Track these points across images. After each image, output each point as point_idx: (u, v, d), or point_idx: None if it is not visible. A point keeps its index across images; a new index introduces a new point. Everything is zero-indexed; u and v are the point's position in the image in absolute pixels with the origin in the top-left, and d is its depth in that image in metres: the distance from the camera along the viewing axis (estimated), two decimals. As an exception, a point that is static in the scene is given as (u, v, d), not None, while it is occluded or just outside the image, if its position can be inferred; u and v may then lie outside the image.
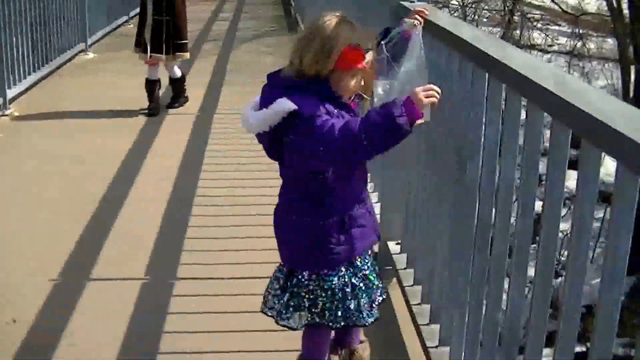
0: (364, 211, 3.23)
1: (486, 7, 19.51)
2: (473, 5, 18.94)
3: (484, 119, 3.03)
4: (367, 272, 3.28)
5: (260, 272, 4.62)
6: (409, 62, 3.08)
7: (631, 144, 1.82)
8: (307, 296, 3.18)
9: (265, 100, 2.98)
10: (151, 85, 8.75)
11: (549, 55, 20.75)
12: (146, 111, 8.65)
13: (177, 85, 9.05)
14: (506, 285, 2.81)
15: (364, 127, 2.79)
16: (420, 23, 3.30)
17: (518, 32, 19.63)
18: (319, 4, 9.26)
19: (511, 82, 2.71)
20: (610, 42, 19.63)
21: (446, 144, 3.54)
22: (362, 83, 3.08)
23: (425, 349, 3.74)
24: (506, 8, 18.57)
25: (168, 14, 8.49)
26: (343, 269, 3.19)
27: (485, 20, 20.10)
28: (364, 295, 3.23)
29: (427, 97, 2.82)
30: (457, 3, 19.10)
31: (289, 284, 3.22)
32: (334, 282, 3.17)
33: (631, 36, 17.64)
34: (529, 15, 20.46)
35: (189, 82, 9.26)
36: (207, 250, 5.12)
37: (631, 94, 17.99)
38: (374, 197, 5.13)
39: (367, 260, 3.30)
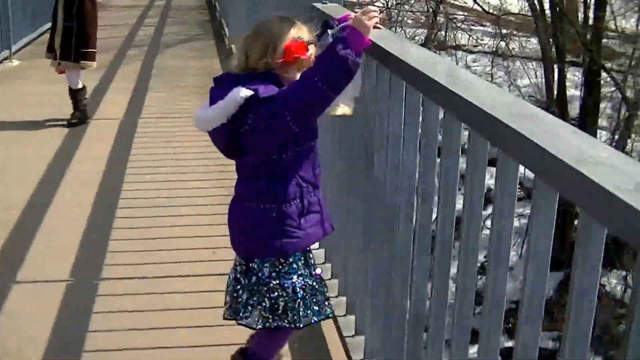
0: (317, 199, 3.24)
1: (410, 9, 19.69)
2: (397, 7, 19.11)
3: (388, 114, 3.16)
4: (317, 269, 3.32)
5: (183, 270, 4.73)
6: None
7: (513, 133, 1.95)
8: (267, 294, 3.14)
9: (216, 98, 3.02)
10: (74, 93, 8.44)
11: (473, 56, 21.01)
12: (71, 120, 8.35)
13: (76, 98, 8.47)
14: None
15: (316, 71, 2.90)
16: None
17: (443, 33, 19.82)
18: (241, 7, 9.35)
19: (409, 77, 2.84)
20: (534, 42, 19.91)
21: (355, 139, 3.67)
22: None
23: (342, 339, 3.86)
24: (430, 10, 18.77)
25: (77, 21, 8.21)
26: (301, 266, 3.20)
27: (410, 22, 20.29)
28: (319, 292, 3.26)
29: (369, 19, 2.97)
30: (382, 5, 19.26)
31: (247, 281, 3.19)
32: (294, 280, 3.16)
33: (553, 36, 17.96)
34: (453, 17, 20.69)
35: (114, 87, 9.23)
36: (130, 251, 5.15)
37: (555, 92, 18.32)
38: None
39: (312, 256, 3.33)
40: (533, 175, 1.91)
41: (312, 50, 3.10)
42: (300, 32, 3.11)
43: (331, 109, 3.10)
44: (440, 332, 2.72)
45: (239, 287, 3.22)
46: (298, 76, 3.06)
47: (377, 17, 3.00)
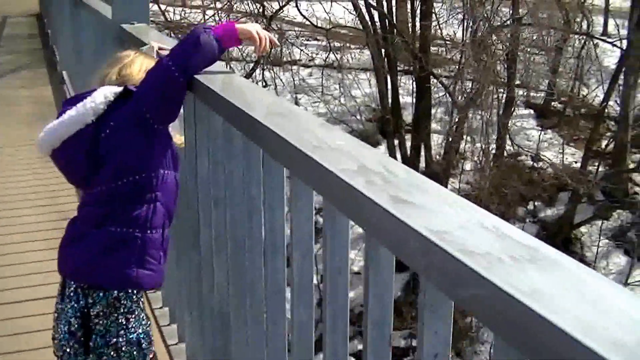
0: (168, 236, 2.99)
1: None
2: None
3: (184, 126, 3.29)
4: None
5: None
6: None
7: (268, 131, 2.11)
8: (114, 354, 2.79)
9: (67, 111, 2.81)
10: None
11: (309, 70, 21.32)
12: None
13: None
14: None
15: (170, 56, 2.79)
16: (155, 47, 3.45)
17: (277, 50, 20.01)
18: (67, 33, 9.32)
19: (193, 88, 2.95)
20: (367, 53, 20.34)
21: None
22: None
23: (167, 347, 3.95)
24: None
25: None
26: (145, 316, 2.91)
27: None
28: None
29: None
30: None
31: (92, 344, 2.79)
32: (139, 332, 2.84)
33: (383, 46, 18.42)
34: (287, 33, 20.94)
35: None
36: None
37: (389, 101, 18.78)
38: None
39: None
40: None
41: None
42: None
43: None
44: (242, 329, 2.86)
45: (77, 344, 2.80)
46: None
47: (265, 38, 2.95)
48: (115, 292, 2.78)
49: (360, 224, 1.65)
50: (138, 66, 3.02)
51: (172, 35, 16.04)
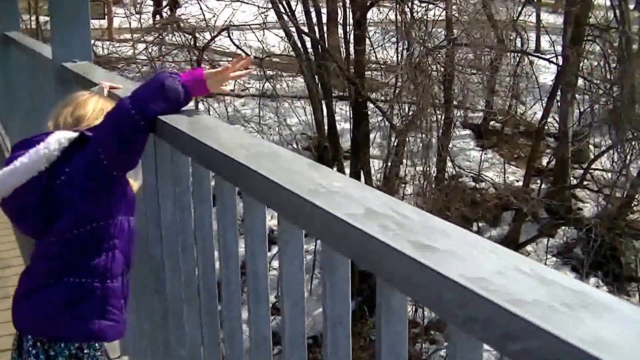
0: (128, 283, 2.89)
1: (172, 59, 19.72)
2: (160, 59, 19.12)
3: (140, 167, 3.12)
4: None
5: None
6: None
7: (252, 173, 1.96)
8: None
9: (18, 157, 2.63)
10: None
11: (242, 100, 21.24)
12: None
13: None
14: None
15: (131, 98, 2.61)
16: (108, 87, 3.24)
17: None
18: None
19: (154, 128, 2.78)
20: (300, 80, 20.34)
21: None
22: None
23: (128, 399, 3.78)
24: (192, 59, 18.85)
25: None
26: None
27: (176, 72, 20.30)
28: None
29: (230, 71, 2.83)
30: (145, 58, 19.22)
31: None
32: None
33: (317, 73, 18.41)
34: (219, 63, 20.85)
35: None
36: None
37: (325, 128, 18.75)
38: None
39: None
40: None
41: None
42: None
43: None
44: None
45: None
46: None
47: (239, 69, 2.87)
48: (73, 344, 2.66)
49: (374, 271, 1.51)
50: (92, 106, 2.89)
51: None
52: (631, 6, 22.04)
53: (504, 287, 1.21)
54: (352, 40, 18.41)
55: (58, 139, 2.63)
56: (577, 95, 18.16)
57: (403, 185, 17.85)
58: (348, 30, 18.72)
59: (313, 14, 18.19)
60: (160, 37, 19.30)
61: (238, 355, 2.49)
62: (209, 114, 18.66)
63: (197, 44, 18.78)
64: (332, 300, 1.78)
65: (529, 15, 21.03)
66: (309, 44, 18.69)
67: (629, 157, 16.86)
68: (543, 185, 18.11)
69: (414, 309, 13.91)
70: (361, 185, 1.74)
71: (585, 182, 18.07)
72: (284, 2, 17.84)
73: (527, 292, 1.20)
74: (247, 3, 19.19)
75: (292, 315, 2.01)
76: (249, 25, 19.44)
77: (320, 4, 18.46)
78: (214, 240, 2.50)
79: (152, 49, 19.25)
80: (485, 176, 18.40)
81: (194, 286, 2.81)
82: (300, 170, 1.89)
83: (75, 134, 2.67)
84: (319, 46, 18.37)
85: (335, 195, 1.67)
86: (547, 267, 1.32)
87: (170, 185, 2.85)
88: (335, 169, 17.78)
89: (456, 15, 17.10)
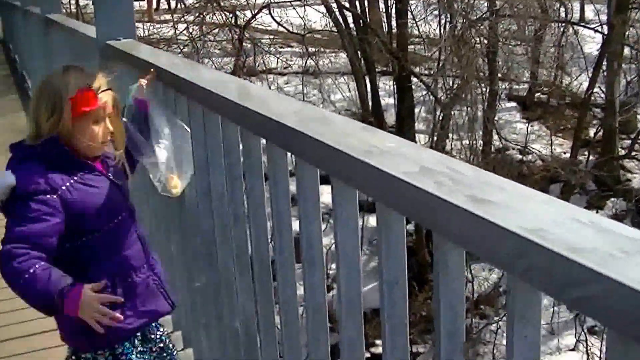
0: (145, 277, 2.89)
1: (214, 39, 19.72)
2: (201, 38, 19.12)
3: (190, 140, 3.15)
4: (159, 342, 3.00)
5: None
6: (162, 127, 3.04)
7: (304, 137, 1.97)
8: None
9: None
10: None
11: (285, 77, 21.23)
12: None
13: None
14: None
15: (28, 275, 2.47)
16: (147, 83, 3.14)
17: (252, 59, 19.94)
18: (39, 56, 9.18)
19: (204, 100, 2.84)
20: (343, 56, 20.29)
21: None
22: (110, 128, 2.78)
23: (183, 373, 3.82)
24: (234, 38, 18.86)
25: None
26: (137, 345, 2.87)
27: (217, 51, 20.31)
28: None
29: (94, 317, 2.55)
30: (186, 38, 19.23)
31: None
32: None
33: (360, 48, 18.38)
34: (261, 41, 20.84)
35: None
36: None
37: (369, 103, 18.73)
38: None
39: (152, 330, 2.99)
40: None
41: (106, 97, 2.72)
42: (88, 78, 2.71)
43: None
44: (272, 348, 2.73)
45: None
46: (98, 130, 2.70)
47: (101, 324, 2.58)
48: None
49: (432, 227, 1.53)
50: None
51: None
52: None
53: (562, 236, 1.21)
54: (393, 14, 18.34)
55: (4, 184, 2.58)
56: (623, 65, 17.93)
57: (450, 159, 17.75)
58: (390, 4, 18.65)
59: (354, -12, 18.15)
60: (201, 16, 19.30)
61: (293, 324, 2.50)
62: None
63: (238, 23, 18.77)
64: (388, 261, 1.78)
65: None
66: (350, 19, 18.64)
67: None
68: (591, 157, 17.95)
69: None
70: (415, 145, 1.75)
71: (633, 153, 17.90)
72: (324, -22, 17.80)
73: (585, 240, 1.20)
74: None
75: (348, 280, 2.01)
76: (289, 1, 19.44)
77: (361, -22, 18.41)
78: (266, 208, 2.51)
79: (193, 29, 19.27)
80: (532, 148, 18.27)
81: (246, 257, 2.82)
82: (352, 133, 1.89)
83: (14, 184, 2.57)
84: (361, 21, 18.32)
85: (388, 154, 1.68)
86: (604, 217, 1.32)
87: (220, 157, 2.86)
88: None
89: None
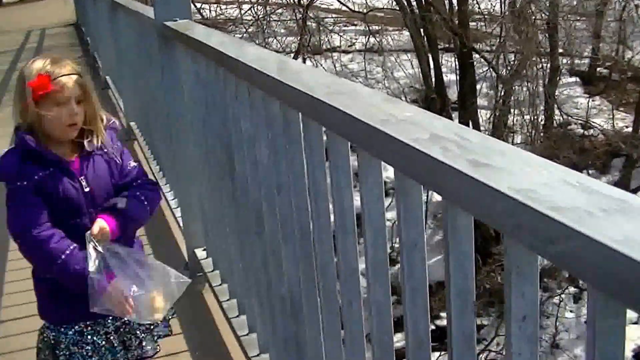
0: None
1: (277, 18, 19.86)
2: (265, 18, 19.25)
3: (238, 115, 3.29)
4: None
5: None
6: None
7: (331, 109, 2.09)
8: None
9: None
10: None
11: (349, 56, 21.27)
12: None
13: None
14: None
15: (58, 258, 2.78)
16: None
17: (316, 38, 20.03)
18: (108, 39, 9.38)
19: (247, 76, 2.97)
20: (405, 34, 20.26)
21: (217, 142, 3.80)
22: (82, 115, 2.92)
23: (238, 339, 3.95)
24: (298, 16, 18.95)
25: None
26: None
27: (282, 31, 20.44)
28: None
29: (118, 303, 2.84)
30: (251, 18, 19.38)
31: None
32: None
33: (422, 25, 18.34)
34: (325, 20, 20.90)
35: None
36: None
37: (432, 80, 18.70)
38: (177, 212, 5.37)
39: None
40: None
41: (69, 81, 2.84)
42: (55, 66, 2.84)
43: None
44: (314, 315, 2.86)
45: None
46: (60, 114, 2.83)
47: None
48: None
49: (439, 192, 1.64)
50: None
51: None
52: None
53: (548, 196, 1.30)
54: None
55: None
56: (685, 38, 17.67)
57: (512, 134, 17.72)
58: (451, -19, 18.60)
59: (415, -34, 18.12)
60: (265, -4, 19.42)
61: (331, 288, 2.63)
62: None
63: (302, 2, 18.85)
64: (406, 225, 1.90)
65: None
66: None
67: None
68: (653, 131, 17.74)
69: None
70: (430, 114, 1.85)
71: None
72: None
73: (568, 199, 1.29)
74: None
75: (374, 244, 2.13)
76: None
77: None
78: (305, 178, 2.63)
79: (256, 9, 19.40)
80: (594, 123, 18.11)
81: (290, 225, 2.95)
82: (376, 104, 2.00)
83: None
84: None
85: (403, 123, 1.79)
86: (598, 180, 1.41)
87: (264, 129, 2.99)
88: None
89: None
